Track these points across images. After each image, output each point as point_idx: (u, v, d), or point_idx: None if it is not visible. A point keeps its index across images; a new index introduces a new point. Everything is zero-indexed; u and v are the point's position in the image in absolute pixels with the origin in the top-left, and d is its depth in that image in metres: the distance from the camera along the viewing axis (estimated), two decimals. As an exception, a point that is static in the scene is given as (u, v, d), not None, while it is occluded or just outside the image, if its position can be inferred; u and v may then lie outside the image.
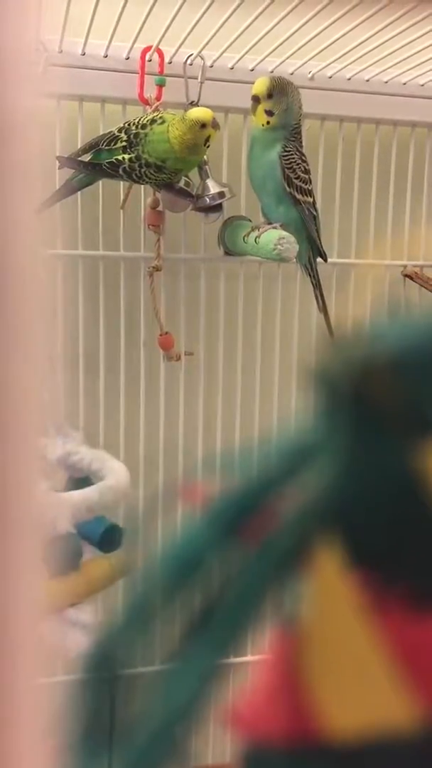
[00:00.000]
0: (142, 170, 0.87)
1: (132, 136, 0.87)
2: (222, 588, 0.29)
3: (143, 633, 0.31)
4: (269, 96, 0.88)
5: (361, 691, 0.29)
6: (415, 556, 0.28)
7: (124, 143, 0.87)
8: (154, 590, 0.31)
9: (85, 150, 0.90)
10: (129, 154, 0.87)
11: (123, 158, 0.87)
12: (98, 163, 0.88)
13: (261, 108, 0.89)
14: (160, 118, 0.87)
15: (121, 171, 0.88)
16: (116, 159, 0.87)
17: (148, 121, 0.87)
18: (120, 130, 0.89)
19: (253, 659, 0.32)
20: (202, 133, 0.85)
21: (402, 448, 0.27)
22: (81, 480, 0.78)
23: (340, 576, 0.28)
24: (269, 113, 0.88)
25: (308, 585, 0.29)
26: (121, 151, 0.88)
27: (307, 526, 0.28)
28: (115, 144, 0.88)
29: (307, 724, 0.29)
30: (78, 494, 0.71)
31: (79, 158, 0.90)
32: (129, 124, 0.89)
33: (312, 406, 0.29)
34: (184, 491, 0.32)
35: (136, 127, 0.87)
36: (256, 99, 0.89)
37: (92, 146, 0.90)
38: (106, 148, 0.89)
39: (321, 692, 0.29)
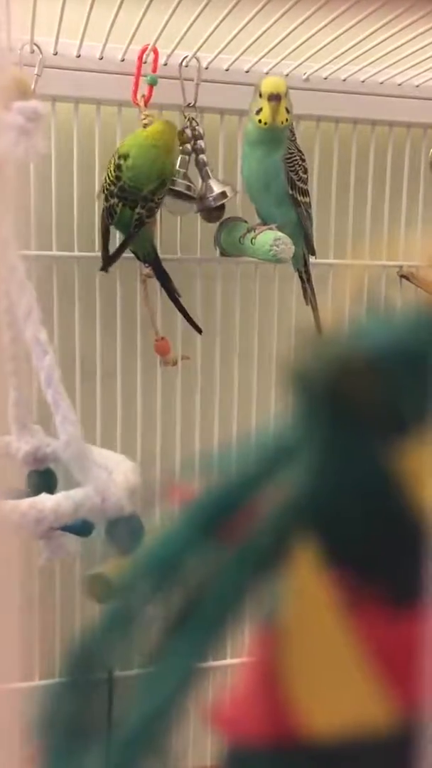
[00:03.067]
0: (155, 200, 0.88)
1: (119, 192, 0.88)
2: (201, 588, 0.29)
3: (124, 634, 0.31)
4: (286, 94, 0.87)
5: (338, 690, 0.29)
6: (391, 555, 0.28)
7: (120, 204, 0.89)
8: (134, 591, 0.31)
9: (105, 239, 0.93)
10: (135, 207, 0.88)
11: (140, 214, 0.88)
12: (128, 235, 0.90)
13: (283, 105, 0.87)
14: (121, 156, 0.88)
15: (145, 219, 0.89)
16: (136, 221, 0.89)
17: (114, 170, 0.88)
18: (107, 199, 0.90)
19: (234, 662, 0.32)
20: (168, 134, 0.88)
21: (379, 448, 0.27)
22: (43, 473, 0.78)
23: (316, 575, 0.28)
24: (287, 110, 0.88)
25: (286, 584, 0.29)
26: (130, 211, 0.88)
27: (285, 525, 0.28)
28: (116, 212, 0.89)
29: (286, 723, 0.29)
30: (121, 477, 0.71)
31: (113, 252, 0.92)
32: (107, 189, 0.89)
33: (292, 405, 0.29)
34: (165, 491, 0.32)
35: (113, 184, 0.88)
36: (278, 97, 0.86)
37: (106, 232, 0.93)
38: (116, 220, 0.90)
39: (299, 691, 0.29)
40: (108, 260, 0.93)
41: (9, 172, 0.76)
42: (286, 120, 0.88)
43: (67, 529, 0.72)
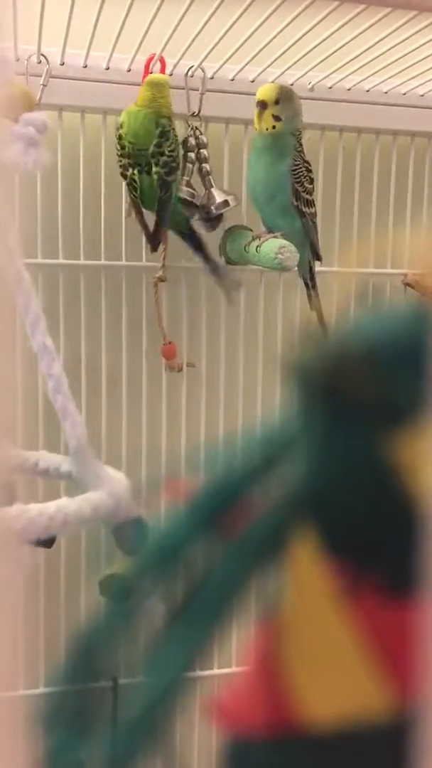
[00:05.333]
0: (169, 156, 0.90)
1: (126, 157, 0.90)
2: (202, 579, 0.30)
3: (126, 628, 0.31)
4: (276, 102, 0.89)
5: (337, 679, 0.29)
6: (388, 544, 0.28)
7: (136, 171, 0.90)
8: (135, 582, 0.31)
9: (142, 223, 0.94)
10: (154, 168, 0.89)
11: (158, 173, 0.89)
12: (162, 205, 0.91)
13: (268, 113, 0.89)
14: (119, 127, 0.90)
15: (168, 182, 0.91)
16: (161, 184, 0.90)
17: (117, 142, 0.90)
18: (126, 177, 0.91)
19: (234, 657, 0.32)
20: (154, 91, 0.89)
21: (375, 439, 0.28)
22: None
23: (315, 565, 0.29)
24: (276, 118, 0.89)
25: (285, 574, 0.29)
26: (149, 179, 0.90)
27: (284, 516, 0.29)
28: (137, 183, 0.91)
29: (285, 713, 0.30)
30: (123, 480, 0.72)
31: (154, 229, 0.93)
32: (121, 166, 0.91)
33: (290, 399, 0.30)
34: (167, 486, 0.33)
35: (121, 156, 0.90)
36: (263, 104, 0.89)
37: (138, 211, 0.93)
38: (140, 193, 0.91)
39: (298, 681, 0.29)
40: (152, 237, 0.93)
41: (15, 182, 0.77)
42: (273, 127, 0.89)
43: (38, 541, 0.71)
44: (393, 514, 0.28)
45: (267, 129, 0.89)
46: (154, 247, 0.94)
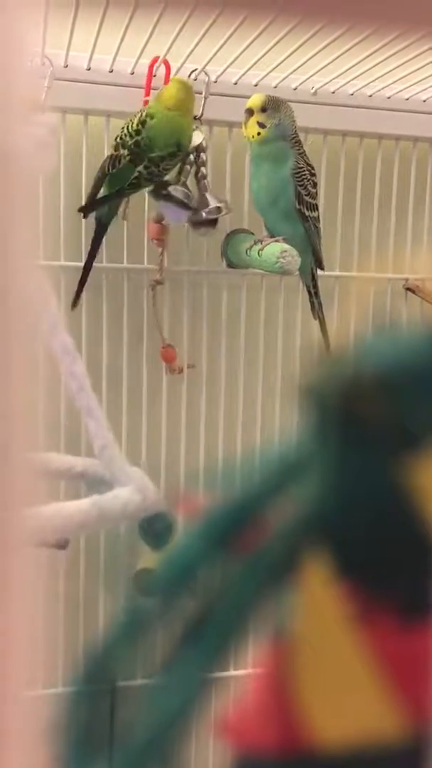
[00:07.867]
0: (159, 168, 0.90)
1: (133, 146, 0.88)
2: (213, 599, 0.30)
3: (137, 644, 0.32)
4: (263, 110, 0.90)
5: (348, 701, 0.29)
6: (401, 568, 0.28)
7: (128, 158, 0.89)
8: (147, 601, 0.31)
9: (97, 187, 0.91)
10: (139, 164, 0.88)
11: (139, 173, 0.89)
12: (120, 188, 0.90)
13: (253, 120, 0.90)
14: (148, 115, 0.89)
15: (143, 182, 0.90)
16: (134, 179, 0.89)
17: (138, 125, 0.89)
18: (117, 148, 0.90)
19: (243, 673, 0.32)
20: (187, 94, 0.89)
21: (388, 463, 0.28)
22: None
23: (327, 588, 0.29)
24: (261, 125, 0.90)
25: (297, 597, 0.29)
26: (132, 167, 0.89)
27: (296, 538, 0.29)
28: (120, 163, 0.89)
29: (296, 734, 0.30)
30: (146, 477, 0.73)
31: (98, 197, 0.91)
32: (121, 138, 0.90)
33: (302, 420, 0.30)
34: (179, 503, 0.33)
35: (130, 136, 0.89)
36: (249, 112, 0.90)
37: (101, 179, 0.91)
38: (114, 171, 0.90)
39: (309, 702, 0.29)
40: (91, 206, 0.92)
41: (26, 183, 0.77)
42: (258, 134, 0.90)
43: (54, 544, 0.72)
44: (406, 538, 0.28)
45: (252, 136, 0.90)
46: (86, 211, 0.92)
